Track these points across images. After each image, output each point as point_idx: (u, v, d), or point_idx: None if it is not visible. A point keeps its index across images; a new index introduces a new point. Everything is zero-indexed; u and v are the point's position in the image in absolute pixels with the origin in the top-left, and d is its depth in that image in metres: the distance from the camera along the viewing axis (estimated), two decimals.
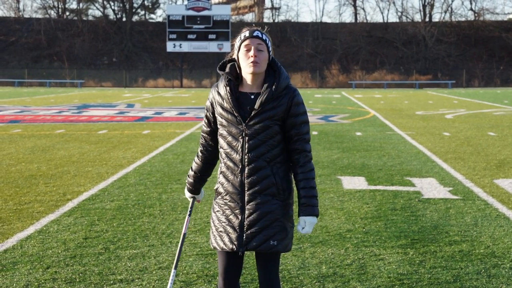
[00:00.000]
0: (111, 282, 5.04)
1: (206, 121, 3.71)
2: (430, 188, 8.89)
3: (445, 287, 4.96)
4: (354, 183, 9.31)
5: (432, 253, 5.82)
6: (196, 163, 3.83)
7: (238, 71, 3.59)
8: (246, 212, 3.54)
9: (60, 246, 6.00)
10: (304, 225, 3.54)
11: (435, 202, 7.95)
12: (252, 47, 3.49)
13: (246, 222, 3.53)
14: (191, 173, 3.88)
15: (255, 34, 3.53)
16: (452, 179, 9.58)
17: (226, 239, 3.55)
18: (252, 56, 3.48)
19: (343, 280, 5.10)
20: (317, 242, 6.17)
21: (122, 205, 7.77)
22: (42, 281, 5.05)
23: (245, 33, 3.55)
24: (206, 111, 3.70)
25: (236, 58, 3.59)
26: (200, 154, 3.80)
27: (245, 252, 3.58)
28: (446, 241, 6.20)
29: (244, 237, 3.52)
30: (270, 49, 3.58)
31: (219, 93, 3.59)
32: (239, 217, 3.54)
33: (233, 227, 3.55)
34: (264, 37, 3.54)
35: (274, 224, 3.53)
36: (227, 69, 3.61)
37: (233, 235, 3.53)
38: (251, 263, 5.43)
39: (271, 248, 3.52)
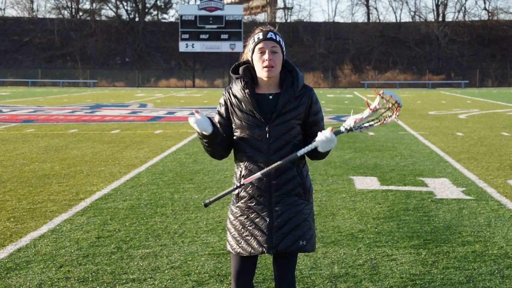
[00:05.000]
0: (124, 281, 5.06)
1: (218, 125, 3.62)
2: (443, 188, 8.85)
3: (458, 287, 4.94)
4: (367, 183, 9.28)
5: (445, 253, 5.79)
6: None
7: (253, 73, 3.57)
8: (274, 213, 3.52)
9: (73, 245, 6.03)
10: (325, 134, 3.39)
11: (448, 203, 7.92)
12: (267, 51, 3.48)
13: (275, 224, 3.51)
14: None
15: (268, 36, 3.50)
16: (465, 180, 9.53)
17: (254, 243, 3.52)
18: (266, 60, 3.46)
19: (355, 280, 5.08)
20: (329, 242, 6.16)
21: (134, 205, 7.80)
22: (55, 280, 5.08)
23: (259, 34, 3.52)
24: (218, 115, 3.63)
25: (250, 60, 3.58)
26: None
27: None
28: (459, 242, 6.17)
29: (274, 239, 3.51)
30: (284, 49, 3.56)
31: (235, 96, 3.56)
32: (267, 219, 3.52)
33: (261, 230, 3.52)
34: (278, 38, 3.52)
35: (302, 224, 3.54)
36: (240, 72, 3.58)
37: (262, 238, 3.51)
38: (262, 263, 5.43)
39: (301, 248, 3.52)
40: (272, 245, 3.51)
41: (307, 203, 3.59)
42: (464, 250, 5.89)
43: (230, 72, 3.62)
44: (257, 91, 3.56)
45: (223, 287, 4.94)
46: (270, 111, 3.51)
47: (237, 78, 3.58)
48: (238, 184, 3.53)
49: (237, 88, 3.57)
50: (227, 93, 3.61)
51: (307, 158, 3.68)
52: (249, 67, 3.59)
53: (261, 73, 3.50)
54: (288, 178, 3.52)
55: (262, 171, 3.44)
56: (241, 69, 3.59)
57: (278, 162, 3.42)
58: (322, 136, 3.40)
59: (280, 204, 3.53)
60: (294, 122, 3.51)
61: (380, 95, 3.39)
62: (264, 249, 3.51)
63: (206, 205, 3.54)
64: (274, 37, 3.51)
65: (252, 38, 3.56)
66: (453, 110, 26.26)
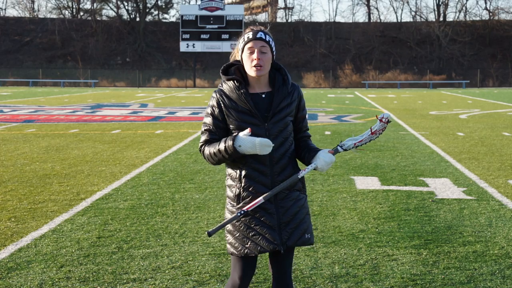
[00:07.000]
0: (124, 281, 5.06)
1: (214, 129, 3.56)
2: (444, 188, 8.85)
3: (459, 287, 4.94)
4: (367, 183, 9.28)
5: (445, 253, 5.79)
6: (210, 144, 3.57)
7: (244, 73, 3.59)
8: (281, 210, 3.55)
9: (74, 245, 6.03)
10: (324, 158, 3.54)
11: (449, 203, 7.91)
12: (256, 50, 3.50)
13: (282, 220, 3.54)
14: (214, 148, 3.51)
15: (258, 36, 3.51)
16: (466, 180, 9.53)
17: (262, 242, 3.52)
18: (255, 59, 3.49)
19: (356, 280, 5.08)
20: (330, 242, 6.16)
21: (135, 205, 7.80)
22: (56, 280, 5.08)
23: (249, 34, 3.54)
24: (212, 118, 3.57)
25: (240, 59, 3.59)
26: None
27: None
28: (460, 242, 6.16)
29: (283, 235, 3.54)
30: (274, 49, 3.59)
31: (228, 97, 3.54)
32: (274, 216, 3.54)
33: (269, 227, 3.53)
34: (267, 38, 3.54)
35: (306, 218, 3.62)
36: (231, 72, 3.60)
37: (271, 235, 3.52)
38: (263, 263, 5.43)
39: (307, 241, 3.59)
40: (282, 241, 3.54)
41: (306, 197, 3.68)
42: (465, 250, 5.88)
43: (220, 73, 3.62)
44: (250, 91, 3.58)
45: (223, 287, 4.94)
46: (266, 109, 3.54)
47: (228, 79, 3.57)
48: (241, 212, 3.52)
49: (229, 89, 3.55)
50: (218, 95, 3.56)
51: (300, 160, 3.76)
52: (239, 67, 3.60)
53: (250, 72, 3.53)
54: (289, 173, 3.57)
55: (265, 195, 3.50)
56: (232, 70, 3.61)
57: (280, 185, 3.51)
58: (322, 158, 3.53)
59: (285, 200, 3.56)
60: (288, 118, 3.58)
61: (382, 120, 3.60)
62: (275, 246, 3.52)
63: (210, 235, 3.52)
64: (263, 37, 3.52)
65: (242, 37, 3.57)
66: (454, 110, 26.25)
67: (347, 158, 11.72)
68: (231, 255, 3.62)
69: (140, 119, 21.19)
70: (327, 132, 16.81)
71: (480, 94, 44.70)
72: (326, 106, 29.45)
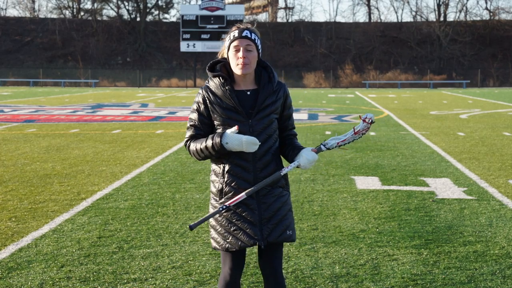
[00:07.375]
0: (125, 281, 5.06)
1: (199, 124, 3.60)
2: (444, 188, 8.85)
3: (460, 287, 4.94)
4: (368, 183, 9.28)
5: (446, 253, 5.79)
6: (196, 140, 3.60)
7: (230, 70, 3.63)
8: (263, 205, 3.58)
9: (74, 245, 6.03)
10: (307, 156, 3.57)
11: (450, 203, 7.91)
12: (241, 48, 3.53)
13: (264, 216, 3.57)
14: (201, 144, 3.54)
15: (244, 34, 3.55)
16: (467, 179, 9.53)
17: (243, 237, 3.55)
18: (241, 58, 3.52)
19: (357, 280, 5.08)
20: (331, 242, 6.16)
21: (135, 205, 7.80)
22: (57, 279, 5.08)
23: (234, 32, 3.58)
24: (198, 114, 3.60)
25: (226, 57, 3.63)
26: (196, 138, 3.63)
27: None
28: (460, 242, 6.16)
29: (264, 230, 3.56)
30: (260, 47, 3.62)
31: (214, 94, 3.58)
32: (256, 212, 3.57)
33: (251, 223, 3.56)
34: (253, 36, 3.57)
35: (288, 215, 3.64)
36: (217, 69, 3.64)
37: (252, 231, 3.55)
38: None
39: (289, 238, 3.61)
40: (262, 237, 3.56)
41: (289, 194, 3.71)
42: (466, 250, 5.88)
43: (207, 70, 3.66)
44: (235, 88, 3.61)
45: None
46: (251, 106, 3.57)
47: (214, 76, 3.61)
48: (223, 206, 3.54)
49: (215, 85, 3.59)
50: (204, 91, 3.61)
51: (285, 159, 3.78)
52: (226, 64, 3.64)
53: (236, 70, 3.56)
54: (272, 170, 3.60)
55: (247, 191, 3.53)
56: (218, 67, 3.64)
57: (263, 182, 3.53)
58: (305, 156, 3.57)
59: (268, 196, 3.59)
60: (273, 116, 3.61)
61: (365, 121, 3.62)
62: (255, 241, 3.55)
63: (191, 228, 3.56)
64: (249, 35, 3.55)
65: (229, 35, 3.61)
66: (454, 110, 26.25)
67: (347, 158, 11.72)
68: (218, 250, 3.65)
69: (140, 119, 21.19)
70: (327, 132, 16.81)
71: (481, 94, 44.70)
72: (326, 106, 29.45)
